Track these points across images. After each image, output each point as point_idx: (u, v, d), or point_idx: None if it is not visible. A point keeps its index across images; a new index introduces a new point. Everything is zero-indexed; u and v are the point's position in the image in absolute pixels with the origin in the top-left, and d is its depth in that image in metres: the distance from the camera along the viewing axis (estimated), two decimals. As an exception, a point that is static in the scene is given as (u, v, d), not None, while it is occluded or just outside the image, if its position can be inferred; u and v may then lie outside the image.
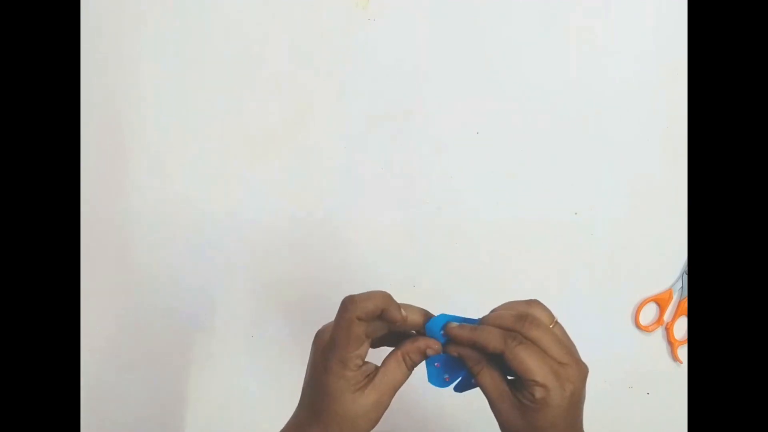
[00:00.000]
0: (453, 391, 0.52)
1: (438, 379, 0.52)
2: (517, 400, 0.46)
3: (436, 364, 0.52)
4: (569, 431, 0.47)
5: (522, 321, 0.46)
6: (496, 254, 0.67)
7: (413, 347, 0.49)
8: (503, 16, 0.67)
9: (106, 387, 0.69)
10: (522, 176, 0.67)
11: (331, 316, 0.47)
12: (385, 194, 0.67)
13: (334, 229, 0.68)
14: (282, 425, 0.48)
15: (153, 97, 0.68)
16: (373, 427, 0.49)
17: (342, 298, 0.47)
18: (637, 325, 0.68)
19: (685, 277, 0.67)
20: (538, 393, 0.44)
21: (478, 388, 0.49)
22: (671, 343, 0.68)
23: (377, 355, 0.48)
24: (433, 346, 0.49)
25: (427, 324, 0.49)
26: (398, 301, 0.51)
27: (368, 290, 0.50)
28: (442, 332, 0.49)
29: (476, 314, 0.63)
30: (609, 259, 0.67)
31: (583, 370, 0.47)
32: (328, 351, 0.47)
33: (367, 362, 0.48)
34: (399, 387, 0.49)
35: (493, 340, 0.46)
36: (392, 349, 0.49)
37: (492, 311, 0.49)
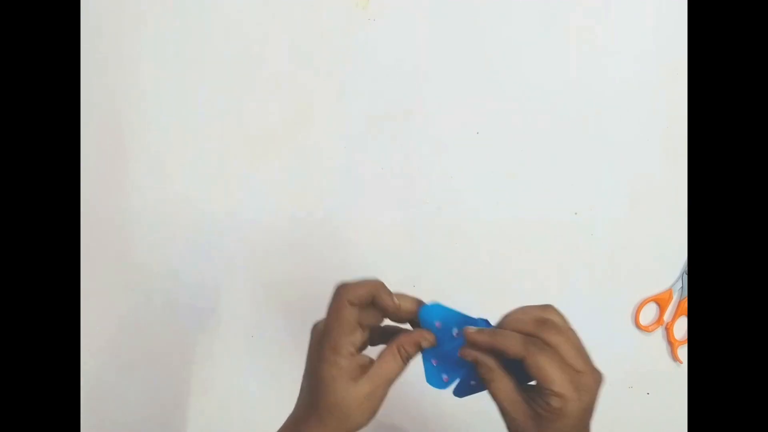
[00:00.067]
0: (453, 395, 0.51)
1: (436, 378, 0.51)
2: (531, 409, 0.45)
3: (433, 361, 0.50)
4: None
5: (542, 326, 0.46)
6: (496, 254, 0.67)
7: (408, 339, 0.48)
8: (503, 16, 0.67)
9: (106, 387, 0.69)
10: (522, 176, 0.67)
11: (331, 316, 0.46)
12: (385, 194, 0.67)
13: (334, 229, 0.68)
14: (281, 424, 0.48)
15: (153, 97, 0.68)
16: (368, 419, 0.49)
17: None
18: (637, 325, 0.68)
19: (685, 277, 0.67)
20: (556, 403, 0.44)
21: (477, 393, 0.49)
22: (671, 343, 0.68)
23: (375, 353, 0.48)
24: (428, 337, 0.49)
25: (420, 313, 0.49)
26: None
27: None
28: (436, 323, 0.49)
29: (476, 314, 0.64)
30: (609, 259, 0.67)
31: (598, 379, 0.46)
32: (322, 339, 0.47)
33: (363, 355, 0.48)
34: (394, 380, 0.48)
35: (513, 345, 0.45)
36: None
37: (507, 315, 0.48)
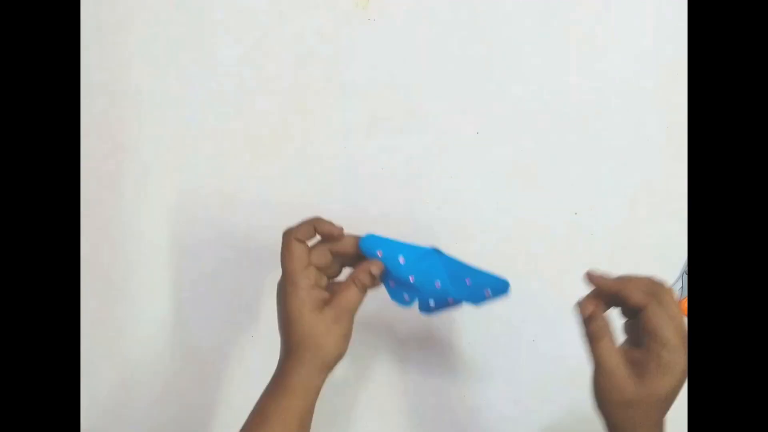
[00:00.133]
0: (419, 311, 0.58)
1: (399, 297, 0.58)
2: (633, 366, 0.47)
3: (390, 283, 0.57)
4: (667, 409, 0.48)
5: (660, 286, 0.48)
6: (496, 254, 0.67)
7: (359, 270, 0.54)
8: (503, 16, 0.67)
9: (106, 387, 0.69)
10: (522, 176, 0.67)
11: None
12: (385, 194, 0.67)
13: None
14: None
15: (153, 97, 0.68)
16: (340, 350, 0.53)
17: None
18: (637, 325, 0.68)
19: (685, 277, 0.67)
20: (667, 355, 0.46)
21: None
22: (671, 343, 0.68)
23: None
24: (375, 264, 0.54)
25: (360, 246, 0.55)
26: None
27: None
28: (378, 252, 0.55)
29: (477, 313, 0.64)
30: (609, 259, 0.67)
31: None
32: (282, 281, 0.54)
33: (322, 290, 0.54)
34: (355, 309, 0.54)
35: (637, 293, 0.48)
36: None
37: (619, 276, 0.50)
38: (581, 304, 0.50)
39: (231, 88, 0.68)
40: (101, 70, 0.68)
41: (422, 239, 0.67)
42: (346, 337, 0.54)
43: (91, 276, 0.68)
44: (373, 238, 0.55)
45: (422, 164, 0.67)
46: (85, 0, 0.66)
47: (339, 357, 0.54)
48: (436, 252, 0.57)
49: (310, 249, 0.54)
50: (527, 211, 0.67)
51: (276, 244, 0.66)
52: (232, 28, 0.68)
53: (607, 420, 0.49)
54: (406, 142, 0.67)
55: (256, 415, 0.53)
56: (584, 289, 0.67)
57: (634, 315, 0.49)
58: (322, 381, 0.53)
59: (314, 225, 0.54)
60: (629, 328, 0.51)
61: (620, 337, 0.51)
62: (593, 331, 0.49)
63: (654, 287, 0.48)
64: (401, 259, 0.56)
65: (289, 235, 0.54)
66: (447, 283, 0.57)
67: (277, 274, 0.65)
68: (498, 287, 0.57)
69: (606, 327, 0.49)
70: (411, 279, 0.56)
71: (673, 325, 0.47)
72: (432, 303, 0.58)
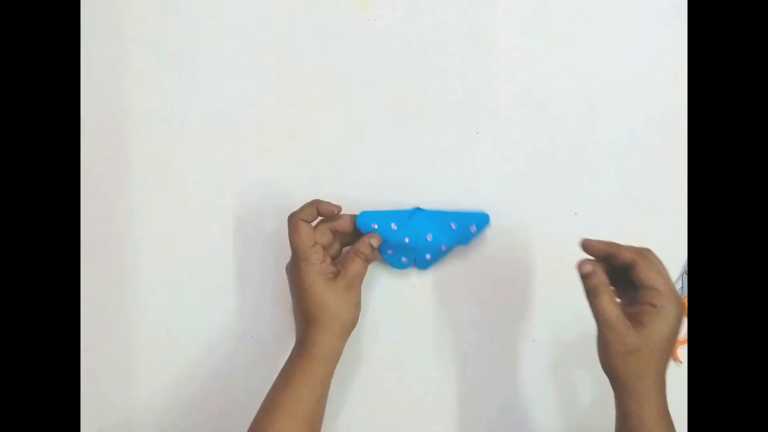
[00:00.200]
0: (417, 268, 0.66)
1: (397, 263, 0.65)
2: (630, 320, 0.52)
3: (388, 251, 0.64)
4: (666, 359, 0.53)
5: (645, 248, 0.54)
6: (496, 254, 0.67)
7: (359, 244, 0.61)
8: (503, 15, 0.67)
9: (105, 388, 0.69)
10: (522, 176, 0.67)
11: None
12: (385, 194, 0.67)
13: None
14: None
15: (152, 96, 0.68)
16: (356, 315, 0.60)
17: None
18: (637, 325, 0.68)
19: (685, 277, 0.67)
20: (658, 301, 0.51)
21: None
22: (671, 343, 0.68)
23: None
24: (374, 236, 0.62)
25: (357, 223, 0.62)
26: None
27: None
28: (374, 225, 0.62)
29: (476, 314, 0.64)
30: (609, 259, 0.67)
31: (682, 299, 0.53)
32: (294, 259, 0.59)
33: (330, 264, 0.60)
34: (362, 278, 0.61)
35: (626, 252, 0.54)
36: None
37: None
38: (580, 263, 0.55)
39: (231, 88, 0.68)
40: (101, 68, 0.68)
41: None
42: (358, 304, 0.60)
43: (91, 276, 0.68)
44: (367, 214, 0.62)
45: (422, 164, 0.67)
46: (85, 0, 0.66)
47: (354, 323, 0.60)
48: (419, 210, 0.65)
49: (314, 229, 0.60)
50: (527, 211, 0.67)
51: (276, 242, 0.66)
52: (233, 28, 0.68)
53: (614, 374, 0.53)
54: (406, 141, 0.67)
55: (280, 382, 0.58)
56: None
57: (625, 277, 0.54)
58: (342, 346, 0.59)
59: (316, 206, 0.60)
60: (622, 292, 0.56)
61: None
62: (593, 287, 0.54)
63: (640, 248, 0.54)
64: (393, 226, 0.63)
65: (295, 217, 0.59)
66: (437, 233, 0.64)
67: (277, 272, 0.65)
68: (480, 220, 0.65)
69: (605, 283, 0.53)
70: (406, 240, 0.63)
71: (661, 276, 0.52)
72: (428, 256, 0.65)
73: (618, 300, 0.54)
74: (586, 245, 0.56)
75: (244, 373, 0.68)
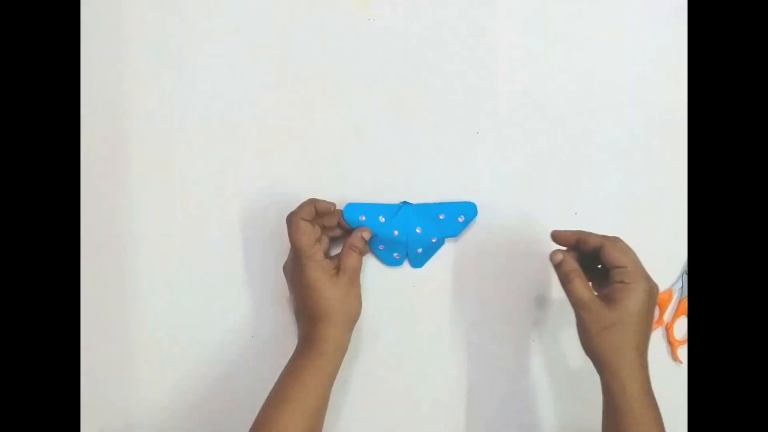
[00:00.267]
0: (411, 266, 0.66)
1: (390, 259, 0.66)
2: (603, 300, 0.55)
3: (380, 247, 0.65)
4: (642, 336, 0.55)
5: (613, 236, 0.57)
6: (496, 254, 0.67)
7: (352, 238, 0.62)
8: (503, 15, 0.67)
9: (105, 388, 0.69)
10: (522, 176, 0.67)
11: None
12: (385, 194, 0.67)
13: (334, 228, 0.67)
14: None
15: (152, 96, 0.68)
16: (360, 306, 0.62)
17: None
18: (637, 325, 0.68)
19: (685, 277, 0.67)
20: (627, 278, 0.54)
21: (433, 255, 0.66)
22: (671, 343, 0.68)
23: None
24: (364, 229, 0.63)
25: (344, 216, 0.63)
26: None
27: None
28: (361, 218, 0.63)
29: (476, 313, 0.64)
30: (609, 259, 0.67)
31: (654, 281, 0.56)
32: (296, 259, 0.60)
33: (329, 260, 0.61)
34: (359, 271, 0.62)
35: (593, 237, 0.57)
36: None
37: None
38: (552, 254, 0.59)
39: (231, 88, 0.68)
40: (101, 70, 0.68)
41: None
42: (360, 297, 0.62)
43: (91, 276, 0.68)
44: (353, 206, 0.63)
45: (422, 164, 0.67)
46: (85, 0, 0.66)
47: (358, 315, 0.61)
48: (407, 204, 0.65)
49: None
50: (527, 211, 0.67)
51: (276, 242, 0.66)
52: (233, 28, 0.68)
53: (594, 353, 0.56)
54: (406, 141, 0.67)
55: (288, 377, 0.58)
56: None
57: (596, 263, 0.58)
58: (348, 339, 0.60)
59: (314, 205, 0.61)
60: (594, 276, 0.59)
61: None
62: (565, 273, 0.57)
63: (605, 235, 0.57)
64: (381, 219, 0.64)
65: (295, 216, 0.60)
66: (426, 226, 0.65)
67: (276, 269, 0.65)
68: (468, 210, 0.65)
69: (576, 269, 0.57)
70: (395, 233, 0.64)
71: (628, 256, 0.55)
72: (420, 250, 0.66)
73: (591, 284, 0.58)
74: (556, 236, 0.59)
75: (244, 373, 0.68)
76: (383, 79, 0.67)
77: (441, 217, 0.65)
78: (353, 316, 0.61)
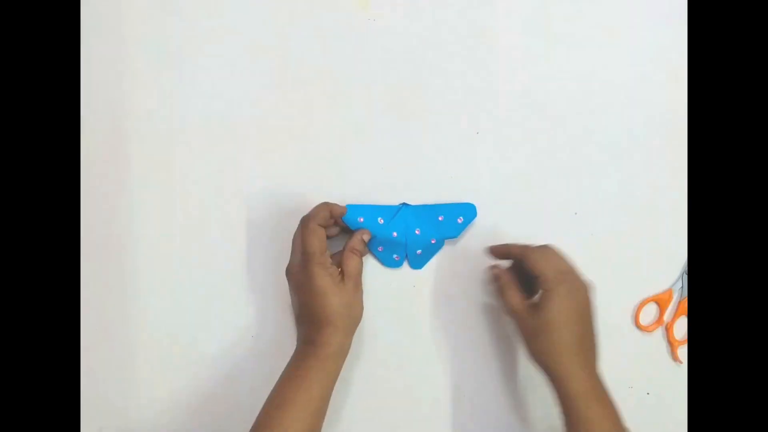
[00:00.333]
0: (411, 268, 0.67)
1: (390, 261, 0.66)
2: (531, 308, 0.58)
3: (379, 248, 0.65)
4: (578, 337, 0.56)
5: (542, 245, 0.60)
6: (496, 254, 0.67)
7: (352, 241, 0.63)
8: (503, 15, 0.67)
9: (105, 388, 0.69)
10: (522, 176, 0.67)
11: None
12: (385, 194, 0.67)
13: (334, 228, 0.68)
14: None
15: (152, 96, 0.68)
16: (362, 309, 0.62)
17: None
18: (637, 325, 0.68)
19: (685, 277, 0.67)
20: (546, 284, 0.56)
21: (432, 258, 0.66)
22: (671, 343, 0.68)
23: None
24: (363, 231, 0.63)
25: (344, 219, 0.62)
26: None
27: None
28: (359, 219, 0.63)
29: (476, 313, 0.64)
30: (609, 259, 0.67)
31: (583, 281, 0.58)
32: (306, 264, 0.59)
33: (333, 265, 0.61)
34: (361, 273, 0.63)
35: (515, 249, 0.60)
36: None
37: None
38: (488, 269, 0.63)
39: (231, 88, 0.68)
40: (101, 70, 0.68)
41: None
42: (362, 302, 0.63)
43: (91, 276, 0.68)
44: (351, 208, 0.63)
45: (422, 164, 0.67)
46: (85, 0, 0.66)
47: (360, 320, 0.62)
48: (406, 205, 0.66)
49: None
50: (527, 211, 0.67)
51: (276, 242, 0.66)
52: (233, 28, 0.68)
53: (534, 361, 0.58)
54: (406, 142, 0.67)
55: (291, 379, 0.59)
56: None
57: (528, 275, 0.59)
58: (350, 343, 0.61)
59: (330, 210, 0.61)
60: (528, 288, 0.61)
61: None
62: (498, 287, 0.61)
63: (527, 246, 0.60)
64: (380, 220, 0.64)
65: (312, 221, 0.60)
66: (425, 227, 0.65)
67: (278, 271, 0.65)
68: (467, 211, 0.66)
69: (507, 281, 0.60)
70: (394, 234, 0.64)
71: (548, 263, 0.57)
72: (419, 251, 0.66)
73: (525, 294, 0.60)
74: (489, 250, 0.63)
75: (244, 373, 0.68)
76: (383, 79, 0.67)
77: (440, 219, 0.65)
78: (356, 321, 0.62)
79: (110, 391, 0.69)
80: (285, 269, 0.62)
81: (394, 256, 0.66)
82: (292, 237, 0.63)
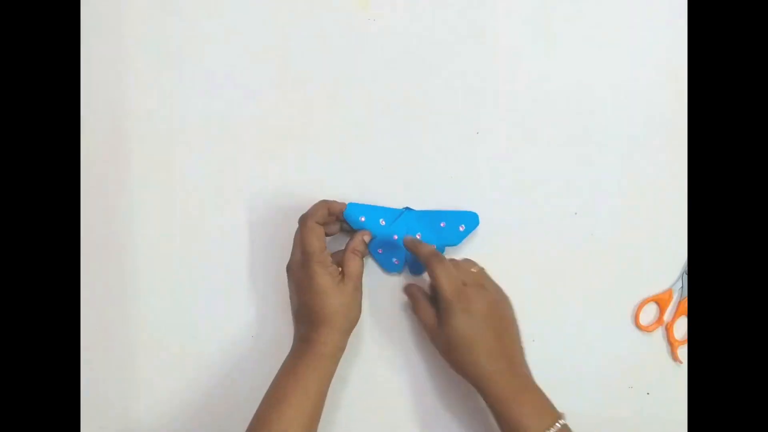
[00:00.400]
0: (410, 273, 0.66)
1: (389, 264, 0.66)
2: (439, 318, 0.58)
3: (379, 251, 0.65)
4: (491, 343, 0.57)
5: (440, 254, 0.59)
6: (496, 254, 0.67)
7: (353, 241, 0.62)
8: (503, 15, 0.67)
9: (105, 388, 0.69)
10: (522, 176, 0.67)
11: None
12: (385, 194, 0.67)
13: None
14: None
15: (152, 96, 0.68)
16: (360, 310, 0.62)
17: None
18: (637, 325, 0.68)
19: (685, 277, 0.67)
20: (442, 302, 0.57)
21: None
22: (671, 343, 0.68)
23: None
24: (365, 232, 0.63)
25: (345, 216, 0.62)
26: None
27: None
28: (361, 218, 0.63)
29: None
30: (609, 259, 0.67)
31: (489, 290, 0.59)
32: (306, 263, 0.59)
33: (333, 265, 0.61)
34: (361, 274, 0.62)
35: (423, 251, 0.59)
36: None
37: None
38: (406, 290, 0.64)
39: (231, 88, 0.68)
40: (101, 70, 0.68)
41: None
42: (361, 304, 0.62)
43: (91, 276, 0.68)
44: (354, 206, 0.63)
45: (422, 164, 0.67)
46: (85, 0, 0.66)
47: (357, 321, 0.62)
48: (408, 210, 0.65)
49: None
50: (527, 211, 0.67)
51: (276, 242, 0.66)
52: (233, 28, 0.68)
53: (456, 372, 0.58)
54: (406, 141, 0.67)
55: (287, 378, 0.59)
56: (584, 289, 0.67)
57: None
58: (347, 341, 0.61)
59: (328, 207, 0.61)
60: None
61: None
62: (412, 303, 0.62)
63: (430, 260, 0.58)
64: (382, 222, 0.64)
65: (310, 220, 0.60)
66: (426, 232, 0.64)
67: (278, 271, 0.65)
68: (469, 219, 0.65)
69: (420, 298, 0.61)
70: (395, 237, 0.64)
71: (448, 278, 0.57)
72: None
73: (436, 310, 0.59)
74: (404, 240, 0.62)
75: (244, 373, 0.68)
76: (383, 79, 0.67)
77: (442, 225, 0.65)
78: (353, 322, 0.62)
79: (110, 391, 0.69)
80: (285, 266, 0.63)
81: (394, 259, 0.65)
82: (292, 237, 0.63)
